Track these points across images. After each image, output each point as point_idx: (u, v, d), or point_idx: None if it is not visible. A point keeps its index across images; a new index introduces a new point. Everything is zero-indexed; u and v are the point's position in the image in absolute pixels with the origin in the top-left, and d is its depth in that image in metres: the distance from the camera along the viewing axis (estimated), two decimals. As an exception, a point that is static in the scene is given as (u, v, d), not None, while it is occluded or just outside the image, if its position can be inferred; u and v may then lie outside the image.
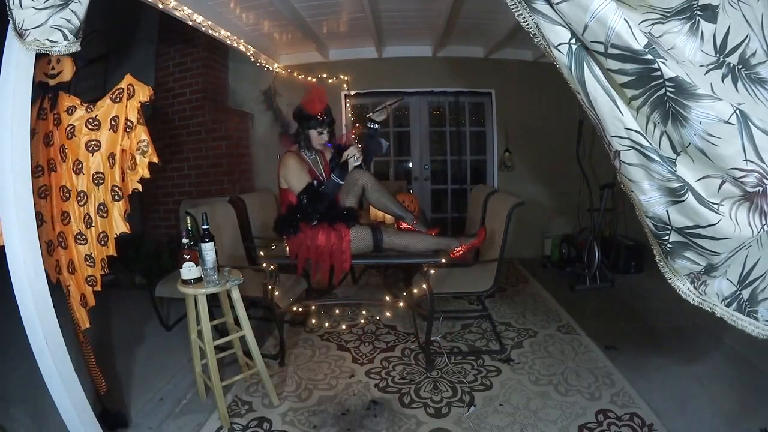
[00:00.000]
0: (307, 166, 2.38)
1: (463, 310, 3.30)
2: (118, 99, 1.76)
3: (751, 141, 0.95)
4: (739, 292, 1.16)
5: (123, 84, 1.76)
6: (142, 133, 1.80)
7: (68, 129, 1.77)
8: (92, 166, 1.78)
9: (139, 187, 1.85)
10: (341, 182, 2.27)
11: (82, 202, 1.79)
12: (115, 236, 1.81)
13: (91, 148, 1.77)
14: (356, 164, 2.29)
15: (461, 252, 2.32)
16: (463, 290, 2.82)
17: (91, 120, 1.76)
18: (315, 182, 2.31)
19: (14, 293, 1.53)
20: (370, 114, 2.51)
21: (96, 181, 1.78)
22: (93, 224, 1.80)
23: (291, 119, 2.55)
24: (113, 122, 1.76)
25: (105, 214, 1.79)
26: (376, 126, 2.51)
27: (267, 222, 3.23)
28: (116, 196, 1.79)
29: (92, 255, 1.80)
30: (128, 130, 1.78)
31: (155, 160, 1.83)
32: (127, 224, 1.81)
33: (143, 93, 1.77)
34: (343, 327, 3.01)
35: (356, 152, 2.29)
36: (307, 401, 2.19)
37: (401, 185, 4.54)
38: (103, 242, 1.80)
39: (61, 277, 1.83)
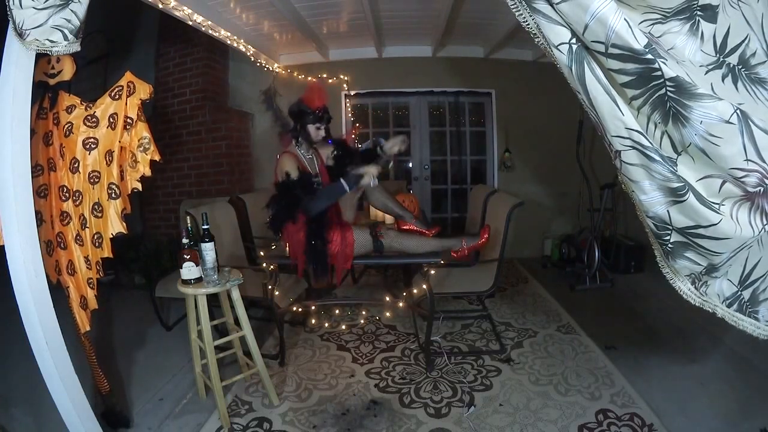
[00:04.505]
0: (302, 165, 2.37)
1: (463, 310, 3.30)
2: (117, 96, 1.75)
3: (751, 141, 0.95)
4: (739, 292, 1.16)
5: (123, 81, 1.75)
6: (143, 130, 1.79)
7: (66, 126, 1.76)
8: (89, 164, 1.77)
9: (139, 186, 1.83)
10: (347, 190, 2.20)
11: (77, 202, 1.78)
12: (111, 236, 1.77)
13: (88, 146, 1.76)
14: (372, 183, 2.23)
15: (465, 253, 2.31)
16: (463, 290, 2.82)
17: (89, 117, 1.76)
18: (314, 179, 2.30)
19: (14, 293, 1.53)
20: (381, 145, 2.42)
21: (92, 180, 1.77)
22: (87, 225, 1.78)
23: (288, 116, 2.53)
24: (112, 119, 1.75)
25: (100, 214, 1.77)
26: (383, 153, 2.40)
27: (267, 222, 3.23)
28: (113, 194, 1.76)
29: (89, 257, 1.79)
30: (128, 127, 1.76)
31: (157, 157, 1.82)
32: (124, 224, 1.78)
33: (144, 90, 1.76)
34: (343, 327, 3.01)
35: (375, 173, 2.24)
36: (307, 401, 2.19)
37: (401, 185, 4.54)
38: (97, 244, 1.77)
39: (61, 278, 1.81)
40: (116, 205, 1.77)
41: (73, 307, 1.80)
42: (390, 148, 2.39)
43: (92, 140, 1.76)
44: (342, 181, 2.22)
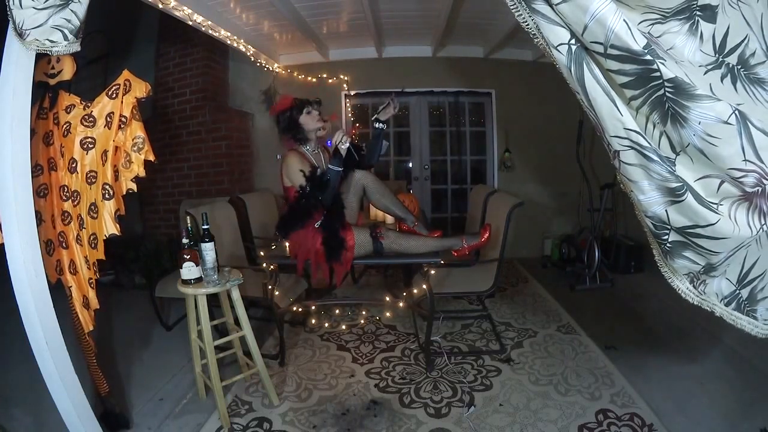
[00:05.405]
0: (309, 162, 2.37)
1: (463, 310, 3.30)
2: (114, 95, 1.74)
3: (750, 141, 0.95)
4: (738, 291, 1.16)
5: (120, 80, 1.74)
6: (138, 130, 1.76)
7: (64, 126, 1.76)
8: (87, 164, 1.76)
9: (134, 187, 1.80)
10: (339, 169, 2.22)
11: (76, 202, 1.77)
12: (105, 237, 1.76)
13: (85, 146, 1.75)
14: (345, 146, 2.23)
15: (465, 252, 2.31)
16: (463, 290, 2.82)
17: (86, 117, 1.75)
18: (318, 170, 2.31)
19: (14, 293, 1.53)
20: (376, 115, 2.50)
21: (89, 180, 1.76)
22: (84, 225, 1.77)
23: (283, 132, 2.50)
24: (108, 119, 1.74)
25: (95, 215, 1.76)
26: (383, 126, 2.50)
27: (267, 222, 3.23)
28: (107, 195, 1.75)
29: (87, 257, 1.79)
30: (122, 126, 1.74)
31: (151, 158, 1.78)
32: (117, 225, 1.76)
33: (140, 88, 1.74)
34: (343, 327, 3.01)
35: (342, 135, 2.25)
36: (307, 401, 2.19)
37: (401, 185, 4.54)
38: (93, 245, 1.76)
39: (63, 277, 1.81)
40: (110, 206, 1.75)
41: (76, 306, 1.80)
42: (385, 116, 2.46)
43: (90, 140, 1.76)
44: (329, 167, 2.24)
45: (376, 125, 2.50)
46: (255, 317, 3.06)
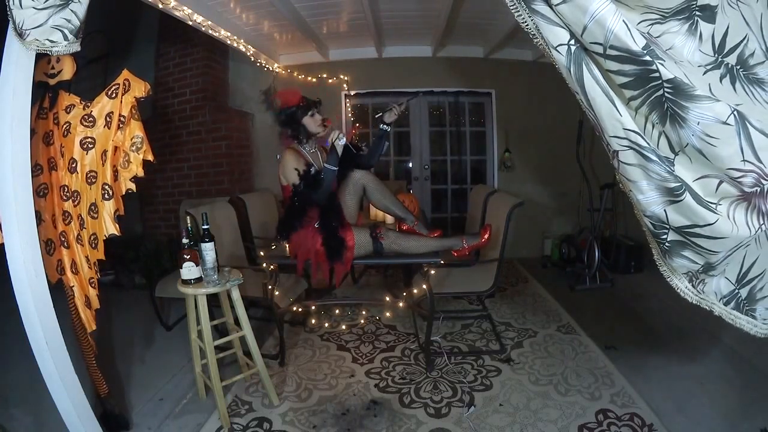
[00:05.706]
0: (305, 161, 2.37)
1: (463, 310, 3.30)
2: (113, 95, 1.74)
3: (748, 141, 0.95)
4: (737, 290, 1.17)
5: (119, 79, 1.74)
6: (136, 129, 1.75)
7: (64, 126, 1.76)
8: (87, 164, 1.76)
9: (134, 187, 1.79)
10: (335, 168, 2.23)
11: (76, 202, 1.77)
12: (105, 238, 1.76)
13: (85, 146, 1.75)
14: (341, 143, 2.24)
15: (465, 252, 2.31)
16: (463, 290, 2.82)
17: (86, 117, 1.75)
18: (312, 169, 2.31)
19: (14, 293, 1.53)
20: (380, 114, 2.50)
21: (89, 180, 1.76)
22: (84, 225, 1.77)
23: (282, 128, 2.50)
24: (108, 119, 1.74)
25: (95, 215, 1.76)
26: (387, 128, 2.51)
27: (267, 222, 3.23)
28: (106, 195, 1.74)
29: (89, 257, 1.79)
30: (121, 125, 1.73)
31: (150, 158, 1.78)
32: (117, 225, 1.76)
33: (139, 88, 1.73)
34: (343, 327, 3.01)
35: (338, 132, 2.26)
36: (307, 401, 2.19)
37: (401, 185, 4.54)
38: (93, 245, 1.77)
39: (65, 277, 1.81)
40: (109, 206, 1.75)
41: (78, 306, 1.80)
42: (389, 119, 2.49)
43: (89, 140, 1.76)
44: (326, 165, 2.25)
45: (381, 126, 2.50)
46: (255, 317, 3.06)
